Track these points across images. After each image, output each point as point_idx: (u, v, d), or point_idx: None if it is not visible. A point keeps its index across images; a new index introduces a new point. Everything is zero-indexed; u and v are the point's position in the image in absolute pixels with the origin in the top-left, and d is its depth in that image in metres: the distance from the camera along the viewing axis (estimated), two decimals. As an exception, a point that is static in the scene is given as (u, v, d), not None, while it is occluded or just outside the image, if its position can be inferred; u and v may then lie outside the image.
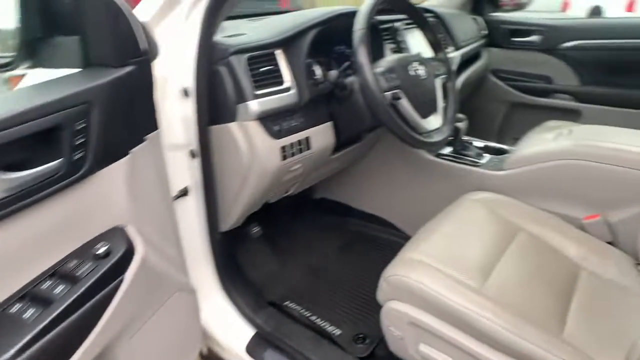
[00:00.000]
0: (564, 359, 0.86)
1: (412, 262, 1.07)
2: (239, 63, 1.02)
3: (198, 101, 1.05)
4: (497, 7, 2.33)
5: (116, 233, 0.77)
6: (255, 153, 1.07)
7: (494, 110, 2.32)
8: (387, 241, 1.77)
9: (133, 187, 0.81)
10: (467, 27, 2.05)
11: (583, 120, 2.07)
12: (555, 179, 1.33)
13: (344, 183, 1.78)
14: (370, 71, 1.00)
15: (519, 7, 2.44)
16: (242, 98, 1.03)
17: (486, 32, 2.21)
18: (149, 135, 0.87)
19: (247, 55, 1.04)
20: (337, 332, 1.35)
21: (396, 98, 1.05)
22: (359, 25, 1.02)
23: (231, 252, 1.36)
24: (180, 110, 1.09)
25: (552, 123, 1.96)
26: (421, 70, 1.14)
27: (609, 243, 1.26)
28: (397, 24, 1.48)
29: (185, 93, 1.06)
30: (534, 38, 2.18)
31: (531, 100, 2.22)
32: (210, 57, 1.03)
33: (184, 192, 1.15)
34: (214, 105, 1.06)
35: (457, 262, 1.07)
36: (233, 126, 1.07)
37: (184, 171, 1.14)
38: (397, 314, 1.05)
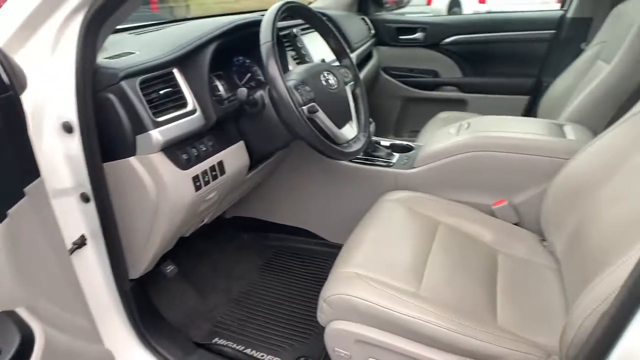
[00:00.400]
0: (507, 347, 0.89)
1: (348, 277, 1.04)
2: (132, 88, 0.88)
3: (85, 136, 0.88)
4: (381, 6, 2.41)
5: (3, 323, 0.60)
6: (164, 188, 0.94)
7: (389, 106, 2.41)
8: (309, 251, 1.73)
9: (18, 259, 0.65)
10: (358, 28, 2.08)
11: (469, 108, 2.24)
12: (462, 171, 1.40)
13: (256, 198, 1.69)
14: (285, 86, 0.93)
15: (399, 5, 2.55)
16: (141, 128, 0.89)
17: (374, 31, 2.28)
18: (29, 186, 0.71)
19: (140, 78, 0.90)
20: (276, 360, 1.28)
21: (313, 111, 1.00)
22: (266, 38, 0.95)
23: (145, 300, 1.20)
24: (62, 149, 0.92)
25: (444, 114, 2.09)
26: (332, 79, 1.10)
27: (516, 224, 1.37)
28: (294, 30, 1.43)
29: (67, 128, 0.89)
30: (418, 35, 2.30)
31: (422, 94, 2.35)
32: (94, 83, 0.87)
33: (80, 243, 0.98)
34: (106, 139, 0.91)
35: (390, 268, 1.06)
36: (133, 161, 0.92)
37: (76, 219, 0.96)
38: (342, 333, 1.01)
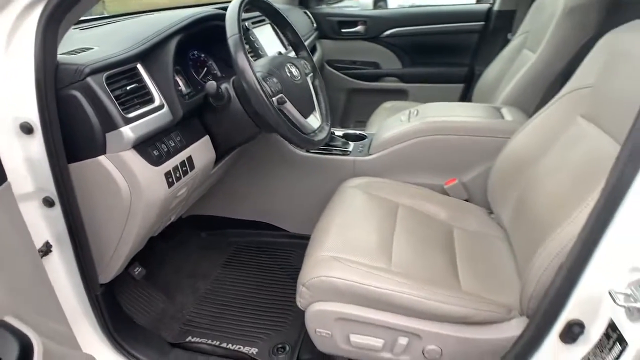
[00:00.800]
0: (474, 308, 0.99)
1: (325, 260, 1.08)
2: (99, 84, 0.85)
3: (48, 136, 0.84)
4: (321, 0, 2.47)
5: (-2, 332, 0.57)
6: (137, 186, 0.92)
7: (334, 98, 2.47)
8: (271, 244, 1.75)
9: None
10: (302, 22, 2.12)
11: (410, 97, 2.37)
12: (415, 154, 1.49)
13: (212, 196, 1.68)
14: (255, 77, 0.95)
15: (337, 0, 2.62)
16: (111, 125, 0.86)
17: (315, 25, 2.32)
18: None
19: (105, 73, 0.87)
20: (254, 350, 1.29)
21: (282, 102, 1.03)
22: (232, 31, 0.96)
23: (116, 304, 1.16)
24: (21, 151, 0.87)
25: (387, 104, 2.20)
26: (295, 71, 1.13)
27: (466, 200, 1.49)
28: (246, 24, 1.43)
29: (27, 129, 0.84)
30: (359, 28, 2.39)
31: (365, 85, 2.44)
32: (56, 80, 0.83)
33: (45, 251, 0.93)
34: (71, 138, 0.87)
35: (362, 249, 1.12)
36: (103, 160, 0.89)
37: (39, 225, 0.92)
38: (323, 314, 1.05)
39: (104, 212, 0.95)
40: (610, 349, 0.68)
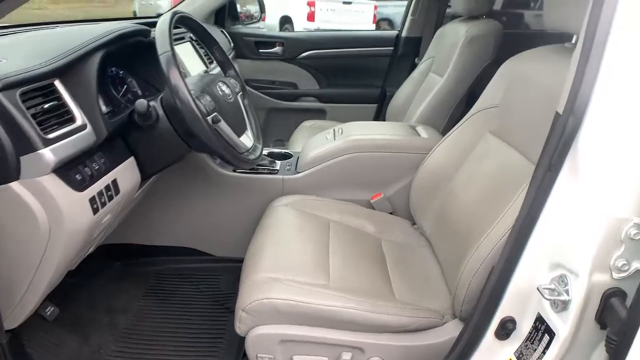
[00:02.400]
0: (411, 316, 1.04)
1: (263, 282, 1.06)
2: (12, 102, 0.75)
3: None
4: (237, 19, 2.46)
5: None
6: (58, 214, 0.83)
7: (253, 117, 2.46)
8: (195, 270, 1.66)
9: None
10: (221, 41, 2.08)
11: (328, 116, 2.45)
12: (342, 171, 1.54)
13: (127, 223, 1.56)
14: (190, 96, 0.91)
15: (252, 20, 2.64)
16: (27, 147, 0.77)
17: (232, 44, 2.31)
18: None
19: (19, 90, 0.78)
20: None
21: (216, 121, 1.00)
22: (164, 48, 0.91)
23: (24, 353, 1.01)
24: None
25: (307, 123, 2.25)
26: (226, 90, 1.11)
27: (391, 213, 1.57)
28: (167, 41, 1.38)
29: None
30: (277, 49, 2.42)
31: (284, 105, 2.47)
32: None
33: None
34: (-24, 163, 0.76)
35: (299, 267, 1.12)
36: (17, 187, 0.79)
37: None
38: (265, 337, 1.02)
39: (15, 246, 0.83)
40: (540, 340, 0.76)
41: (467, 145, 1.35)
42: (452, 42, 1.83)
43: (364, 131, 1.60)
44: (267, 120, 2.49)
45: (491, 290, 0.83)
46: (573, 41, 1.14)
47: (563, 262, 0.74)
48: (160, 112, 1.03)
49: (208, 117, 0.98)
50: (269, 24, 9.29)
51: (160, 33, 0.93)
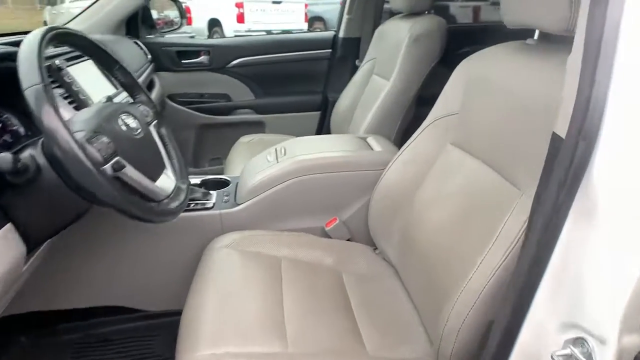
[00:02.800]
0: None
1: (207, 361, 0.84)
2: None
3: None
4: (153, 28, 2.16)
5: None
6: None
7: (183, 137, 2.19)
8: (125, 332, 1.38)
9: None
10: (134, 54, 1.81)
11: (268, 129, 2.23)
12: (290, 198, 1.34)
13: (32, 288, 1.25)
14: (73, 141, 0.67)
15: (172, 27, 2.35)
16: None
17: (150, 56, 2.02)
18: None
19: None
20: None
21: (118, 168, 0.76)
22: (31, 80, 0.66)
23: None
24: None
25: (245, 138, 2.02)
26: (133, 122, 0.87)
27: (350, 239, 1.39)
28: (57, 61, 1.09)
29: None
30: (202, 59, 2.16)
31: (217, 119, 2.22)
32: None
33: None
34: None
35: (250, 333, 0.92)
36: None
37: None
38: None
39: None
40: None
41: (427, 158, 1.20)
42: (395, 41, 1.68)
43: (309, 149, 1.40)
44: (199, 138, 2.22)
45: (493, 355, 0.66)
46: (535, 37, 1.02)
47: (580, 322, 0.58)
48: (42, 160, 0.77)
49: (106, 166, 0.73)
50: (197, 28, 8.85)
51: (25, 59, 0.68)
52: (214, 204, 1.34)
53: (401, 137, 1.67)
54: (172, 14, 2.39)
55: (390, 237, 1.26)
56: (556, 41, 0.99)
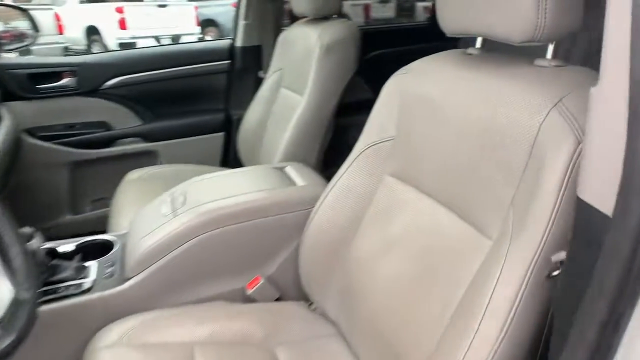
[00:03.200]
0: None
1: None
2: None
3: None
4: (-2, 48, 1.68)
5: None
6: None
7: (52, 180, 1.75)
8: None
9: None
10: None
11: (162, 159, 1.86)
12: (197, 261, 1.05)
13: None
14: None
15: (23, 42, 1.86)
16: None
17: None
18: None
19: None
20: None
21: None
22: None
23: None
24: None
25: (134, 174, 1.66)
26: None
27: (279, 299, 1.13)
28: None
29: None
30: (67, 81, 1.72)
31: (95, 153, 1.79)
32: None
33: None
34: None
35: None
36: None
37: None
38: None
39: None
40: None
41: (363, 193, 0.99)
42: (303, 50, 1.46)
43: (216, 192, 1.11)
44: (74, 179, 1.79)
45: None
46: (478, 45, 0.87)
47: None
48: None
49: None
50: (72, 38, 7.85)
51: None
52: (93, 282, 1.00)
53: (323, 161, 1.45)
54: (23, 24, 1.90)
55: (327, 290, 1.04)
56: (500, 48, 0.85)
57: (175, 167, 1.67)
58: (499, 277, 0.64)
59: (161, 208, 1.11)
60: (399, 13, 7.44)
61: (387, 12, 7.09)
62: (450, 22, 0.81)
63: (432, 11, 2.12)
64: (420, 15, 7.44)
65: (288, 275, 1.13)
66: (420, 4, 7.58)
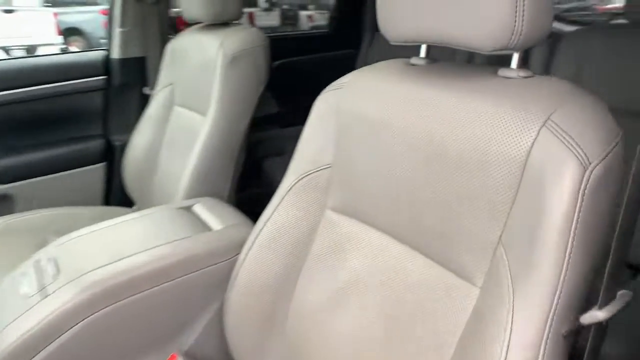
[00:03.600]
0: None
1: None
2: None
3: None
4: None
5: None
6: None
7: None
8: None
9: None
10: None
11: (20, 206, 1.44)
12: (87, 351, 0.77)
13: None
14: None
15: None
16: None
17: None
18: None
19: None
20: None
21: None
22: None
23: None
24: None
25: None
26: None
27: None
28: None
29: None
30: None
31: None
32: None
33: None
34: None
35: None
36: None
37: None
38: None
39: None
40: None
41: (301, 233, 0.82)
42: (201, 61, 1.23)
43: (102, 253, 0.83)
44: None
45: None
46: (423, 54, 0.75)
47: None
48: None
49: None
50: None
51: None
52: None
53: (238, 192, 1.23)
54: None
55: (268, 354, 0.84)
56: (446, 57, 0.75)
57: (41, 213, 1.30)
58: (509, 340, 0.51)
59: (21, 285, 0.79)
60: (284, 22, 7.43)
61: (271, 20, 7.01)
62: (396, 28, 0.67)
63: (331, 18, 2.03)
64: (304, 24, 7.52)
65: (213, 344, 0.91)
66: (303, 13, 7.67)
